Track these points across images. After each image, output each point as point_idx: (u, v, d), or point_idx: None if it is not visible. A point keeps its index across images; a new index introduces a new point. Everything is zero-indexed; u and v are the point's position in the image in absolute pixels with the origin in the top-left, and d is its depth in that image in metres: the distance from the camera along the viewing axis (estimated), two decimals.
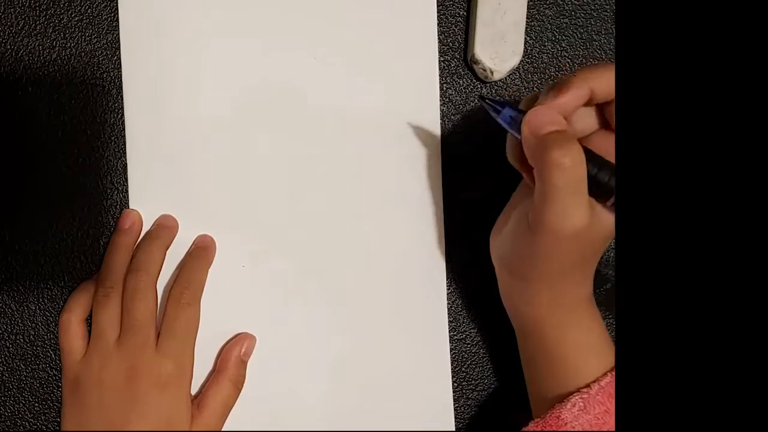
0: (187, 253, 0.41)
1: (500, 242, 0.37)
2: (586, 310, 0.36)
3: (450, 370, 0.43)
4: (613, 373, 0.35)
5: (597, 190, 0.32)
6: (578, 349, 0.36)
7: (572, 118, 0.34)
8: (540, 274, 0.34)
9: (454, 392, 0.43)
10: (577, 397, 0.34)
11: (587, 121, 0.35)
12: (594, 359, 0.36)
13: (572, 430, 0.34)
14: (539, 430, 0.34)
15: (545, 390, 0.37)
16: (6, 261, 0.41)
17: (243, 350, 0.41)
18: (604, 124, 0.35)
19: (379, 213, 0.43)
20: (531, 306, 0.36)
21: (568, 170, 0.31)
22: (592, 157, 0.32)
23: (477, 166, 0.44)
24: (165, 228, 0.41)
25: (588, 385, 0.34)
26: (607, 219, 0.33)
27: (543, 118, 0.32)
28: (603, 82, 0.32)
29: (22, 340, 0.41)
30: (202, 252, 0.41)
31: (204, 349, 0.40)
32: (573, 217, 0.31)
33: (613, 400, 0.34)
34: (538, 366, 0.37)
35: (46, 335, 0.41)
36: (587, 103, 0.33)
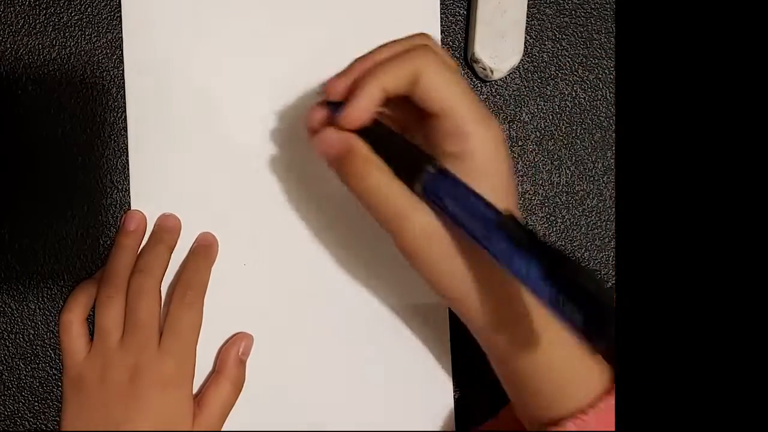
0: (189, 251, 0.41)
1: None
2: (548, 328, 0.31)
3: (450, 370, 0.43)
4: (610, 396, 0.31)
5: (406, 175, 0.29)
6: (554, 374, 0.31)
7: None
8: (445, 290, 0.31)
9: (454, 392, 0.43)
10: (570, 423, 0.30)
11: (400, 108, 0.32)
12: (578, 380, 0.32)
13: None
14: None
15: (536, 412, 0.33)
16: (5, 260, 0.41)
17: (241, 350, 0.41)
18: (415, 109, 0.31)
19: None
20: (490, 328, 0.31)
21: (368, 191, 0.29)
22: (396, 143, 0.30)
23: None
24: (169, 229, 0.41)
25: (584, 410, 0.31)
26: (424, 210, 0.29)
27: (327, 142, 0.31)
28: (392, 78, 0.29)
29: (21, 339, 0.41)
30: (204, 250, 0.41)
31: (204, 348, 0.40)
32: (407, 223, 0.29)
33: (612, 426, 0.30)
34: (520, 396, 0.33)
35: (46, 334, 0.41)
36: (387, 100, 0.30)
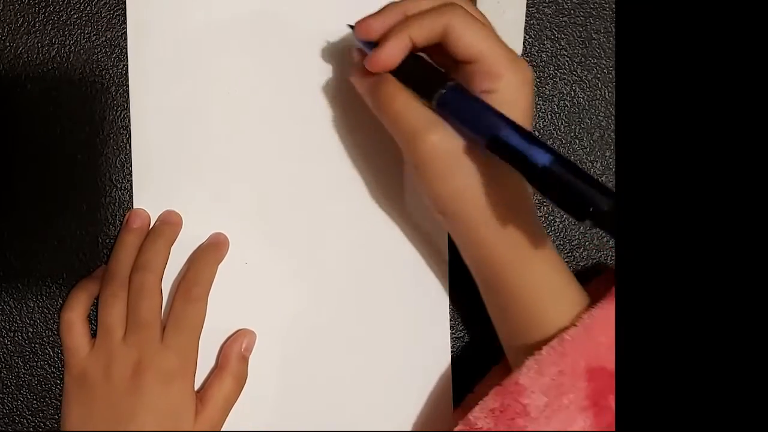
0: (198, 247, 0.41)
1: (424, 193, 0.37)
2: (540, 248, 0.35)
3: (450, 370, 0.43)
4: (564, 332, 0.34)
5: (425, 91, 0.34)
6: (543, 291, 0.35)
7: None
8: (456, 209, 0.35)
9: (453, 392, 0.43)
10: (531, 361, 0.34)
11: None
12: (563, 301, 0.35)
13: (531, 394, 0.33)
14: (501, 400, 0.34)
15: (518, 339, 0.36)
16: (4, 258, 0.41)
17: (244, 346, 0.41)
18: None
19: (381, 211, 0.43)
20: (481, 247, 0.36)
21: (393, 113, 0.34)
22: (419, 64, 0.34)
23: None
24: (169, 224, 0.41)
25: (540, 347, 0.34)
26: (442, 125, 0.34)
27: (366, 73, 0.35)
28: (422, 32, 0.34)
29: (20, 338, 0.41)
30: (213, 248, 0.41)
31: (206, 345, 0.40)
32: (419, 138, 0.33)
33: (566, 359, 0.33)
34: (508, 315, 0.37)
35: (45, 332, 0.41)
36: (414, 48, 0.35)
